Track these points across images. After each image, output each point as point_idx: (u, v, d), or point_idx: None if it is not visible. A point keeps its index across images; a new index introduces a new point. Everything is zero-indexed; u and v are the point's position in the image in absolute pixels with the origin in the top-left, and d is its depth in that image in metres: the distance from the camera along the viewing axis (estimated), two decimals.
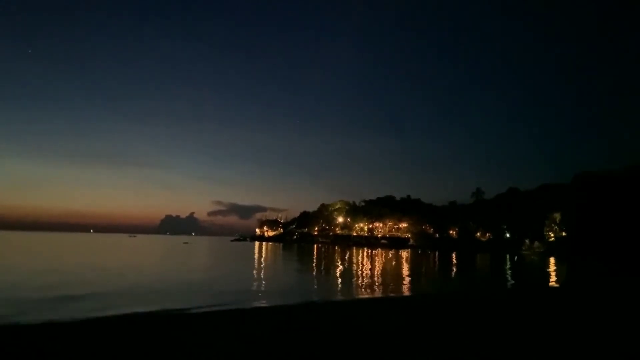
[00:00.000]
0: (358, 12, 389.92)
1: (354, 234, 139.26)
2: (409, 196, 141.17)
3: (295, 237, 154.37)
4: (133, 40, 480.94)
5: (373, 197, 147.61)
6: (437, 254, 74.30)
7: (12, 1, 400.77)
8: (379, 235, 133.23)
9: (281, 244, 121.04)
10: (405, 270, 32.65)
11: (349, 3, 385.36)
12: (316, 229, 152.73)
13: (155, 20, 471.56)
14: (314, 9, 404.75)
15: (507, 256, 67.99)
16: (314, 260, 44.46)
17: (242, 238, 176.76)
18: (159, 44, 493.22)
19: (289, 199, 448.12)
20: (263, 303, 14.08)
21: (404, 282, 23.40)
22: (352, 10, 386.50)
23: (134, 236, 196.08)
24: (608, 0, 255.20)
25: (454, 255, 66.56)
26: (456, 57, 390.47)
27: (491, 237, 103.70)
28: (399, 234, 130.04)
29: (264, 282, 22.37)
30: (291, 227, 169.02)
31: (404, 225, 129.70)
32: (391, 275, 27.83)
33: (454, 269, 37.37)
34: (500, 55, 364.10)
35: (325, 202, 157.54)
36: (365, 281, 22.86)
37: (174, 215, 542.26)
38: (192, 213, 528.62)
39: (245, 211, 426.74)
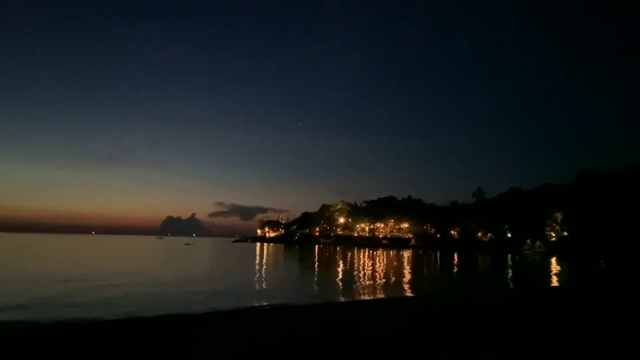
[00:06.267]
0: (358, 13, 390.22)
1: (356, 234, 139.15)
2: (410, 196, 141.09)
3: (296, 238, 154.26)
4: (134, 44, 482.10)
5: (374, 198, 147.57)
6: (438, 254, 74.28)
7: (13, 4, 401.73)
8: (380, 236, 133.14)
9: (282, 245, 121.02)
10: (407, 271, 32.68)
11: (349, 4, 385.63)
12: (317, 229, 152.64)
13: (157, 24, 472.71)
14: (313, 10, 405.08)
15: (509, 256, 67.95)
16: (316, 261, 44.52)
17: (244, 239, 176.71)
18: (161, 47, 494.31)
19: (290, 200, 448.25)
20: (266, 304, 14.14)
21: (407, 283, 23.44)
22: (352, 11, 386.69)
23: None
24: (608, 1, 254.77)
25: (455, 256, 66.54)
26: (457, 57, 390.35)
27: (492, 237, 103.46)
28: (401, 235, 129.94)
29: (266, 283, 22.43)
30: (292, 228, 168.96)
31: (405, 225, 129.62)
32: (393, 275, 27.85)
33: (456, 270, 37.38)
34: (501, 56, 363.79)
35: (327, 203, 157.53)
36: (367, 282, 22.92)
37: (175, 216, 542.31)
38: (194, 214, 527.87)
39: (246, 212, 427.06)
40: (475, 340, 8.04)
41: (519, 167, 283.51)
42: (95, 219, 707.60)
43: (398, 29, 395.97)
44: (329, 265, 38.38)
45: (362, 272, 29.52)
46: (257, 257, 50.43)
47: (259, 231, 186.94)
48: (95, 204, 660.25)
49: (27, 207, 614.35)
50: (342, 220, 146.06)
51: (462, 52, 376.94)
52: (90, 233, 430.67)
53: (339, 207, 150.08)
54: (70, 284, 18.38)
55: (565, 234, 78.01)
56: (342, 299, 16.33)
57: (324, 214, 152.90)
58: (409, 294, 18.72)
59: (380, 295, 17.57)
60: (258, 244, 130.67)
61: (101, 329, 9.28)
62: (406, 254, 69.00)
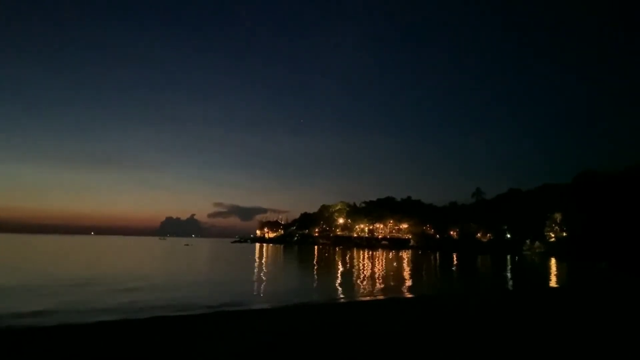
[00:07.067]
0: (357, 13, 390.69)
1: (355, 235, 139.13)
2: (409, 197, 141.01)
3: (295, 238, 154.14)
4: (134, 45, 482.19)
5: (373, 198, 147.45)
6: (437, 254, 74.26)
7: (14, 6, 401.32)
8: (380, 236, 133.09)
9: (282, 246, 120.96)
10: (407, 272, 32.66)
11: (349, 4, 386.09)
12: (317, 230, 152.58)
13: (156, 25, 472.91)
14: (313, 10, 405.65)
15: (508, 257, 67.95)
16: (315, 262, 44.48)
17: (243, 240, 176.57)
18: (160, 48, 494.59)
19: (290, 201, 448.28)
20: (266, 304, 14.10)
21: (406, 284, 23.43)
22: (352, 11, 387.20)
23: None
24: (608, 2, 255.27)
25: (454, 256, 66.54)
26: (456, 57, 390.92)
27: (492, 237, 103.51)
28: (400, 235, 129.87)
29: (266, 283, 22.39)
30: (292, 228, 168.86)
31: (404, 226, 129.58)
32: (393, 276, 27.84)
33: (455, 270, 37.37)
34: (501, 55, 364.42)
35: (326, 204, 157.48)
36: (366, 282, 22.89)
37: (174, 217, 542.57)
38: (193, 215, 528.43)
39: (246, 213, 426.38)
40: (475, 341, 8.02)
41: (519, 167, 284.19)
42: (94, 220, 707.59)
43: (398, 29, 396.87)
44: (328, 266, 38.34)
45: (361, 273, 29.48)
46: (257, 258, 50.37)
47: (258, 232, 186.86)
48: (95, 204, 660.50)
49: (26, 208, 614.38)
50: (341, 220, 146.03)
51: (462, 52, 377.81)
52: (90, 234, 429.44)
53: (338, 207, 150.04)
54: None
55: (564, 234, 78.06)
56: (341, 300, 16.30)
57: (324, 215, 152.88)
58: (408, 294, 18.69)
59: (379, 295, 17.54)
60: (257, 245, 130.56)
61: (101, 330, 9.24)
62: (405, 255, 68.97)
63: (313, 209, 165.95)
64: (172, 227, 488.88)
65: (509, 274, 33.22)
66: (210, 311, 12.11)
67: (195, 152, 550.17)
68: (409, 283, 23.73)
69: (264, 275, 27.11)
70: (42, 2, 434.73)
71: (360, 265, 39.22)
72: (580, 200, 69.11)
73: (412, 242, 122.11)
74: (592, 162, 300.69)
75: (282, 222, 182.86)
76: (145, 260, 43.44)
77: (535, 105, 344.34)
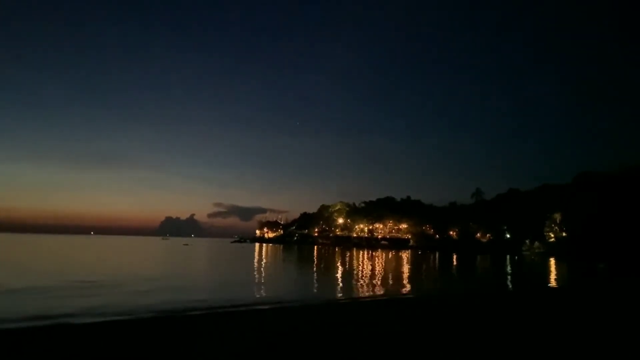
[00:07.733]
0: (356, 14, 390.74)
1: (354, 235, 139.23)
2: (409, 197, 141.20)
3: (295, 238, 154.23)
4: (134, 46, 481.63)
5: (373, 198, 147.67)
6: (437, 254, 74.30)
7: (14, 7, 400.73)
8: (379, 237, 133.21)
9: (281, 246, 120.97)
10: (406, 272, 32.66)
11: (348, 4, 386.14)
12: (316, 230, 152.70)
13: (156, 25, 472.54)
14: (312, 11, 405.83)
15: (508, 257, 68.00)
16: (315, 262, 44.48)
17: (242, 240, 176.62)
18: (159, 48, 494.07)
19: (289, 201, 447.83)
20: (266, 304, 14.09)
21: (406, 284, 23.43)
22: (351, 11, 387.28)
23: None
24: (608, 2, 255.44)
25: (454, 256, 66.57)
26: (455, 57, 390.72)
27: (491, 237, 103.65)
28: (399, 235, 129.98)
29: (266, 283, 22.37)
30: (291, 228, 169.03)
31: (404, 226, 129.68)
32: (392, 276, 27.84)
33: (455, 270, 37.39)
34: (500, 55, 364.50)
35: (325, 204, 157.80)
36: (366, 282, 22.88)
37: (174, 217, 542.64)
38: (193, 215, 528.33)
39: (245, 213, 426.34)
40: (475, 341, 8.02)
41: (519, 167, 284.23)
42: (94, 220, 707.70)
43: (397, 29, 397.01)
44: (328, 266, 38.34)
45: (361, 273, 29.48)
46: (256, 258, 50.36)
47: (257, 232, 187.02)
48: (95, 204, 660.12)
49: (26, 208, 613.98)
50: (341, 220, 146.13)
51: (461, 52, 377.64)
52: (89, 234, 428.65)
53: (337, 207, 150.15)
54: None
55: (564, 234, 78.14)
56: (341, 299, 16.29)
57: (323, 215, 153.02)
58: (407, 294, 18.69)
59: (379, 295, 17.53)
60: (257, 245, 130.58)
61: (101, 330, 9.24)
62: (405, 255, 69.01)
63: (313, 209, 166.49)
64: (172, 227, 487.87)
65: (508, 274, 33.23)
66: (210, 311, 12.10)
67: (195, 152, 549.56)
68: (408, 283, 23.74)
69: (263, 276, 27.10)
70: (43, 3, 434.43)
71: (360, 265, 39.22)
72: (580, 200, 69.21)
73: (411, 242, 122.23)
74: (592, 162, 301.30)
75: (282, 222, 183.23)
76: (145, 260, 43.41)
77: (535, 106, 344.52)
